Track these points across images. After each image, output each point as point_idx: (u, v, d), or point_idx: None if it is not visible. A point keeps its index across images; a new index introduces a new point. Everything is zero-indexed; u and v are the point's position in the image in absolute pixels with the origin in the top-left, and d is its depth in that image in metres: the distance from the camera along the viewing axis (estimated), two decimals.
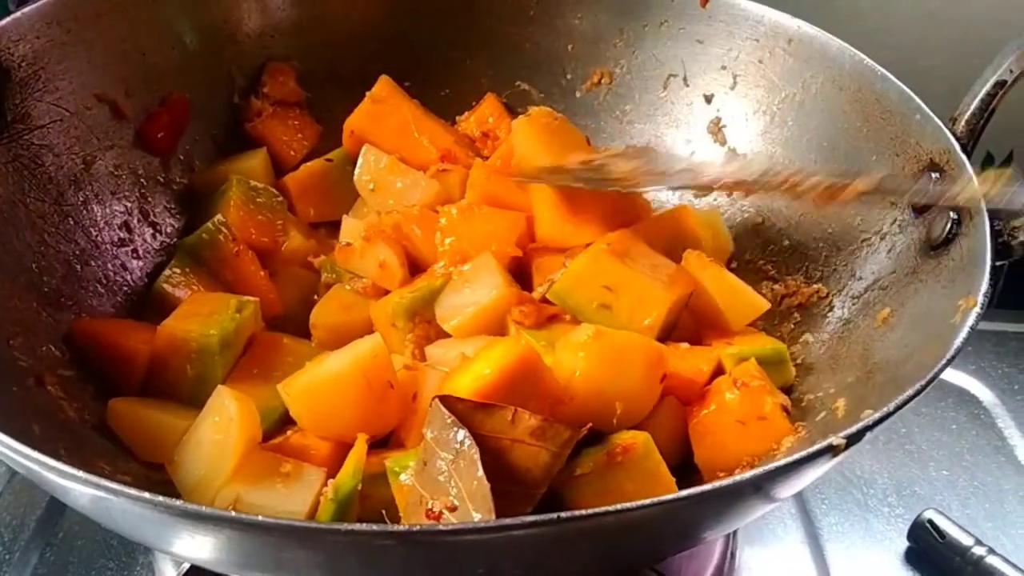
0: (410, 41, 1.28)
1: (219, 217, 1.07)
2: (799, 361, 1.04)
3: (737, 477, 0.65)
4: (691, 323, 1.05)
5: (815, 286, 1.08)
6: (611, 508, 0.64)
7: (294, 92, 1.26)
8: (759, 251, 1.17)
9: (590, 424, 0.85)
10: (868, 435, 0.72)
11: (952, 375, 1.33)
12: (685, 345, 1.01)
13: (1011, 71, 0.97)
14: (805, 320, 1.08)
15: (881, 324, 0.96)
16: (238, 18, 1.22)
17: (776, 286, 1.13)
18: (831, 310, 1.05)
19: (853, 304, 1.03)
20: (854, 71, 1.08)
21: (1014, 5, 1.40)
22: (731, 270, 1.12)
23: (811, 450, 0.68)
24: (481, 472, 0.75)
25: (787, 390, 1.01)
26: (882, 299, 0.98)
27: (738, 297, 1.05)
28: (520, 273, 1.08)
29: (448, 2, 1.28)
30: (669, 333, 1.01)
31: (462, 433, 0.77)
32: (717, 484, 0.65)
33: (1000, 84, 0.98)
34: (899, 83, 1.04)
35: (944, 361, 0.75)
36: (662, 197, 1.25)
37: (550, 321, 1.01)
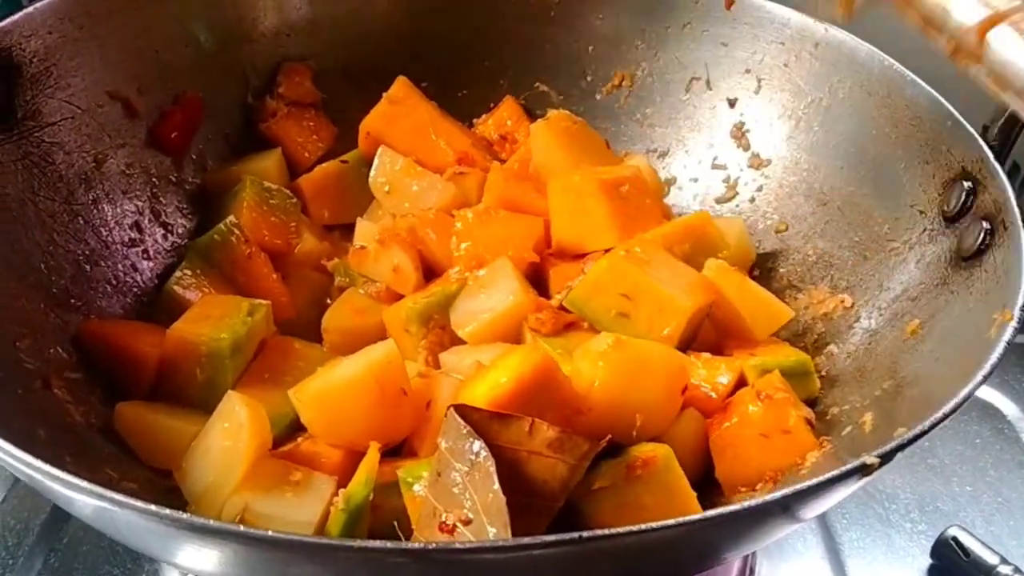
0: (427, 42, 1.26)
1: (231, 218, 1.05)
2: (823, 373, 1.01)
3: (766, 497, 0.63)
4: (712, 333, 1.02)
5: (840, 296, 1.05)
6: (635, 528, 0.62)
7: (309, 93, 1.24)
8: (783, 259, 1.14)
9: (610, 436, 0.83)
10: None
11: (983, 389, 1.30)
12: (706, 355, 0.98)
13: None
14: (829, 331, 1.05)
15: (910, 336, 0.93)
16: (253, 16, 1.20)
17: (800, 296, 1.10)
18: (857, 321, 1.02)
19: (880, 315, 1.00)
20: (883, 76, 1.05)
21: None
22: (753, 278, 1.09)
23: (843, 469, 0.65)
24: (497, 485, 0.72)
25: (811, 403, 0.98)
26: (911, 310, 0.95)
27: (761, 306, 1.02)
28: (537, 279, 1.06)
29: (467, 2, 1.26)
30: (689, 343, 0.98)
31: (478, 444, 0.74)
32: (745, 504, 0.62)
33: None
34: (929, 89, 1.01)
35: (981, 376, 0.73)
36: (683, 203, 1.23)
37: (567, 329, 0.98)
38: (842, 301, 1.05)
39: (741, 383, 0.96)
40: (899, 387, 0.90)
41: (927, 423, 0.69)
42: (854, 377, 0.98)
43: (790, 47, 1.14)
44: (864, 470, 0.65)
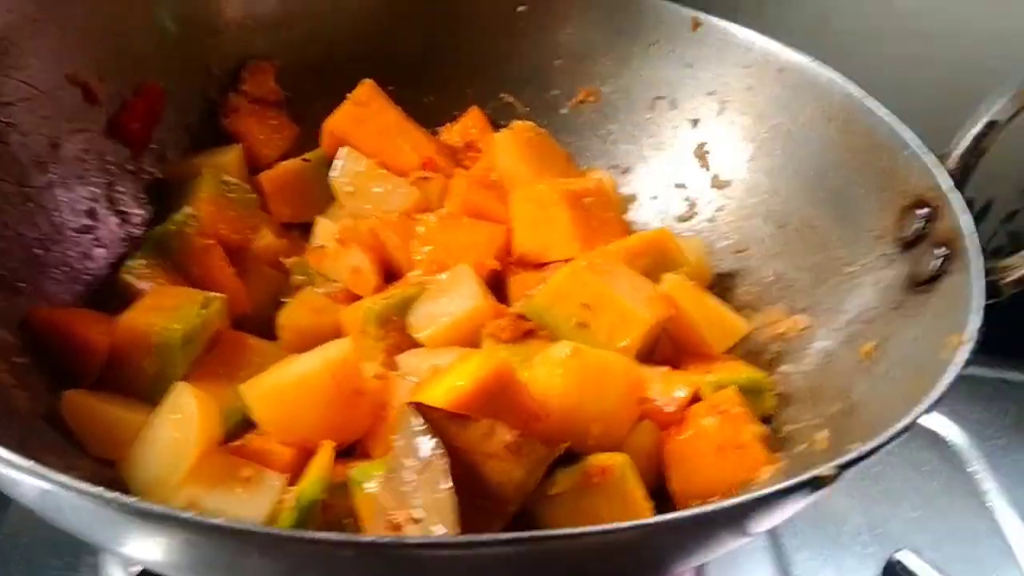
0: (396, 47, 1.26)
1: (188, 209, 1.03)
2: (778, 392, 1.02)
3: (719, 504, 0.63)
4: (670, 347, 1.03)
5: (797, 317, 1.06)
6: (585, 530, 0.61)
7: (274, 91, 1.23)
8: (741, 279, 1.15)
9: (567, 443, 0.83)
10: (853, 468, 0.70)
11: (925, 417, 1.32)
12: (664, 369, 0.98)
13: (1005, 112, 0.97)
14: (785, 351, 1.05)
15: (864, 358, 0.94)
16: (219, 7, 1.18)
17: (757, 315, 1.10)
18: (812, 342, 1.03)
19: (835, 337, 1.01)
20: (844, 102, 1.07)
21: (999, 51, 1.40)
22: None
23: (797, 480, 0.65)
24: (447, 484, 0.72)
25: (766, 420, 0.99)
26: (865, 333, 0.96)
27: (717, 320, 1.03)
28: (497, 287, 1.05)
29: (436, 11, 1.26)
30: (647, 356, 0.99)
31: (432, 442, 0.74)
32: (697, 510, 0.62)
33: (992, 124, 0.98)
34: (889, 116, 1.03)
35: (936, 395, 0.74)
36: (643, 220, 1.24)
37: (526, 337, 0.97)
38: (798, 322, 1.06)
39: (697, 398, 0.96)
40: (853, 407, 0.90)
41: (880, 439, 0.69)
42: (808, 396, 0.99)
43: (754, 71, 1.15)
44: (817, 482, 0.66)
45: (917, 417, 0.73)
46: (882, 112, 1.03)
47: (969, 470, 1.26)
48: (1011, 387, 1.42)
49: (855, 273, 1.02)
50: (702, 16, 1.18)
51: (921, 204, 0.97)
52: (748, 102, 1.17)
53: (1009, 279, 0.89)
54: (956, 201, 0.93)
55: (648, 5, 1.21)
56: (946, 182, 0.95)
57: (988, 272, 0.88)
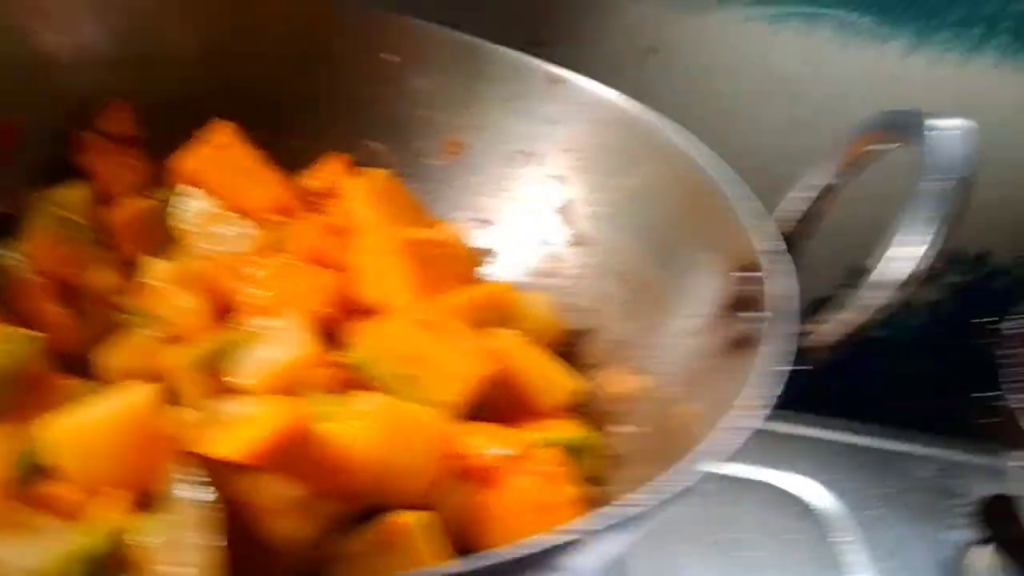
0: (258, 89, 1.24)
1: (14, 245, 1.01)
2: (611, 452, 1.01)
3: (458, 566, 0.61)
4: (503, 403, 1.01)
5: (636, 377, 1.06)
6: None
7: (130, 129, 1.20)
8: (591, 337, 1.15)
9: (364, 499, 0.81)
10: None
11: (799, 485, 1.31)
12: (492, 425, 0.97)
13: (829, 175, 0.99)
14: (622, 411, 1.05)
15: (691, 420, 0.93)
16: (69, 43, 1.16)
17: (600, 374, 1.10)
18: (648, 402, 1.03)
19: (669, 397, 1.00)
20: (688, 162, 1.07)
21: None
22: (560, 355, 1.09)
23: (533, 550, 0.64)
24: (217, 538, 0.70)
25: (595, 481, 0.98)
26: (689, 395, 0.96)
27: (549, 377, 1.02)
28: (332, 336, 1.04)
29: (301, 55, 1.25)
30: (476, 411, 0.97)
31: (203, 493, 0.72)
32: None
33: (829, 187, 1.00)
34: (732, 177, 1.03)
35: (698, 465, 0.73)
36: (499, 274, 1.22)
37: (351, 387, 0.96)
38: (637, 382, 1.05)
39: (523, 456, 0.95)
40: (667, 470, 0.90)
41: (622, 516, 0.68)
42: (637, 457, 0.98)
43: (609, 129, 1.16)
44: (566, 547, 0.64)
45: (684, 490, 0.72)
46: (721, 172, 1.04)
47: (837, 540, 1.25)
48: (890, 457, 1.42)
49: (690, 334, 1.02)
50: (560, 72, 1.19)
51: (750, 267, 0.97)
52: (602, 160, 1.17)
53: (820, 344, 0.89)
54: (780, 264, 0.94)
55: (509, 60, 1.21)
56: (774, 245, 0.96)
57: (801, 336, 0.88)
